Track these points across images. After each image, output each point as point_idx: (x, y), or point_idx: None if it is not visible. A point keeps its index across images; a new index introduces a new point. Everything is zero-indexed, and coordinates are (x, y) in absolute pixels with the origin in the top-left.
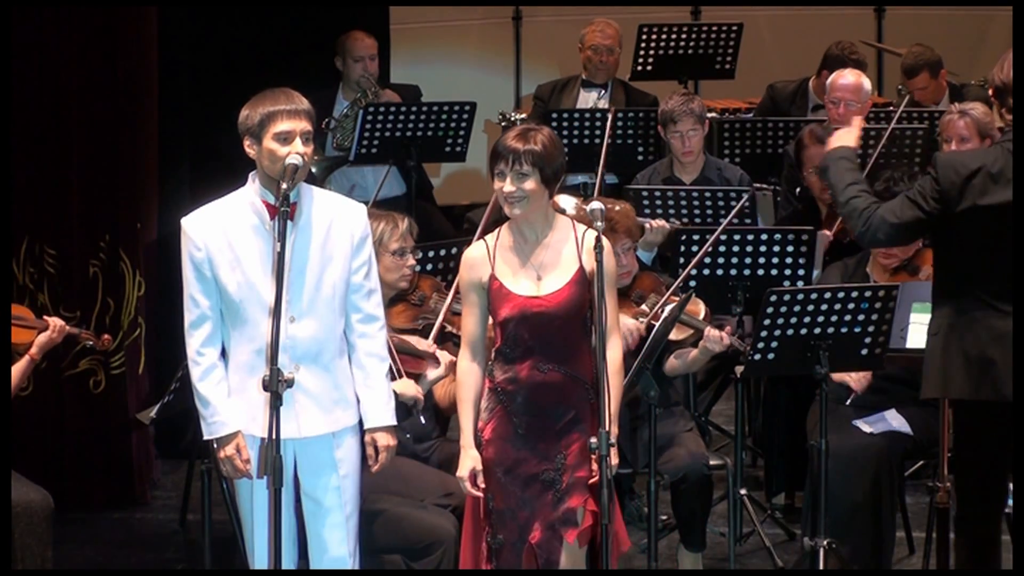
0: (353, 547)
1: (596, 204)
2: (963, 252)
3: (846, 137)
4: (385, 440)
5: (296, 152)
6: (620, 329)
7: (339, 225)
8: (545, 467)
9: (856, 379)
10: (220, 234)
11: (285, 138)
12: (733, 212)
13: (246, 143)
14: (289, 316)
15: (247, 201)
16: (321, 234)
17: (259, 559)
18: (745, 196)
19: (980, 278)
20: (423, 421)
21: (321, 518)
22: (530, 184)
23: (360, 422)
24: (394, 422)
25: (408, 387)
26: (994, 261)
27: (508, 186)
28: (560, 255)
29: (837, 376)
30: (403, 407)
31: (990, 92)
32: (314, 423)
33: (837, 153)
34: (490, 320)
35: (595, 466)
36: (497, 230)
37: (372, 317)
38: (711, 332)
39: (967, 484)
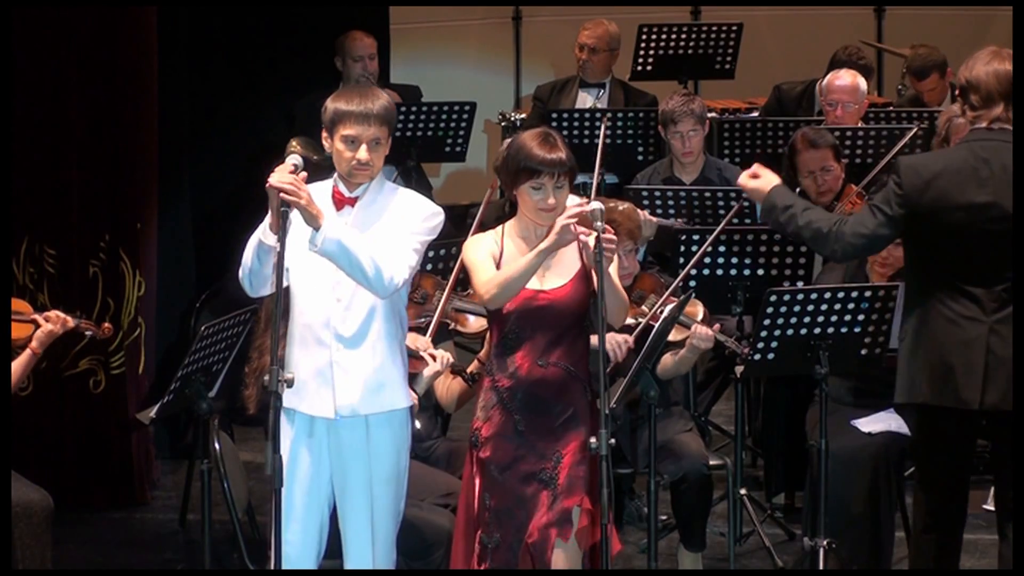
0: (382, 543)
1: (596, 204)
2: (928, 257)
3: (767, 180)
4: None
5: (358, 158)
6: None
7: (399, 213)
8: (543, 465)
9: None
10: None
11: (352, 142)
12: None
13: (323, 135)
14: (336, 297)
15: (327, 188)
16: (378, 222)
17: (285, 556)
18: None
19: (943, 284)
20: (417, 426)
21: (348, 509)
22: (564, 193)
23: (401, 413)
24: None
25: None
26: (957, 268)
27: (551, 199)
28: (565, 252)
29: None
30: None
31: (956, 92)
32: (352, 404)
33: (770, 198)
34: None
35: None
36: (501, 226)
37: (378, 267)
38: (698, 329)
39: (932, 486)
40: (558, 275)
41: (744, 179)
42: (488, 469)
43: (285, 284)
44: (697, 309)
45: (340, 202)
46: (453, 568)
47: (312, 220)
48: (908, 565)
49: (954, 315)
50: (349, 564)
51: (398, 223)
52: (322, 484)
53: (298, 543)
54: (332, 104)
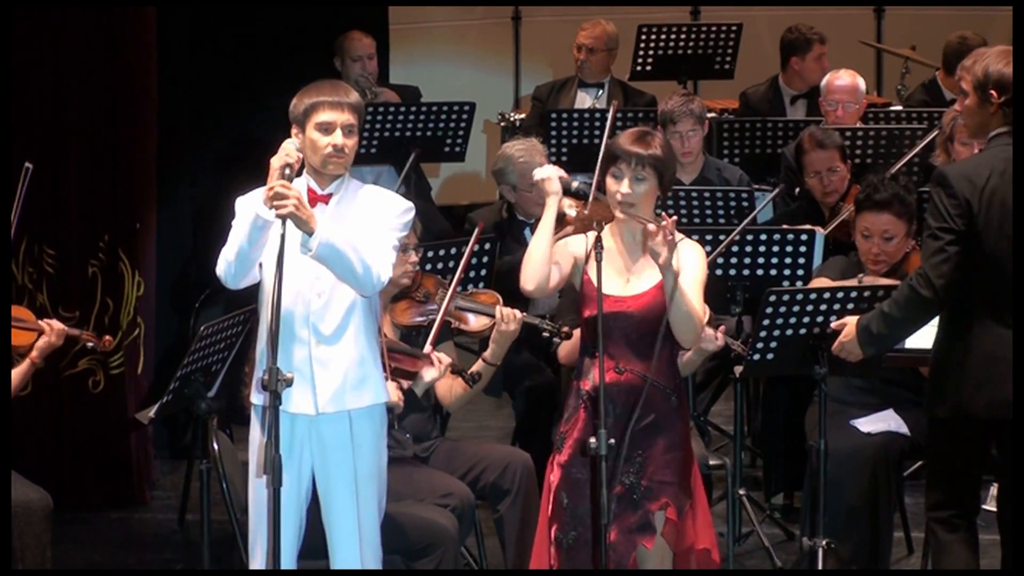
0: (368, 538)
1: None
2: (970, 267)
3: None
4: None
5: (334, 143)
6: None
7: (375, 210)
8: (625, 469)
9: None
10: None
11: (326, 128)
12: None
13: (293, 131)
14: (316, 292)
15: (300, 187)
16: (353, 219)
17: (262, 559)
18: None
19: (983, 295)
20: (406, 435)
21: (333, 505)
22: (643, 188)
23: (381, 408)
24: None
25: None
26: (996, 278)
27: (625, 187)
28: (651, 259)
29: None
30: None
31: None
32: (332, 400)
33: (860, 333)
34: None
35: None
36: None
37: (366, 263)
38: (706, 331)
39: (950, 491)
40: (642, 282)
41: (837, 347)
42: (570, 471)
43: (258, 279)
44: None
45: (314, 200)
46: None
47: (304, 225)
48: (927, 562)
49: (989, 328)
50: (337, 560)
51: (374, 220)
52: (302, 483)
53: (280, 544)
54: (302, 98)
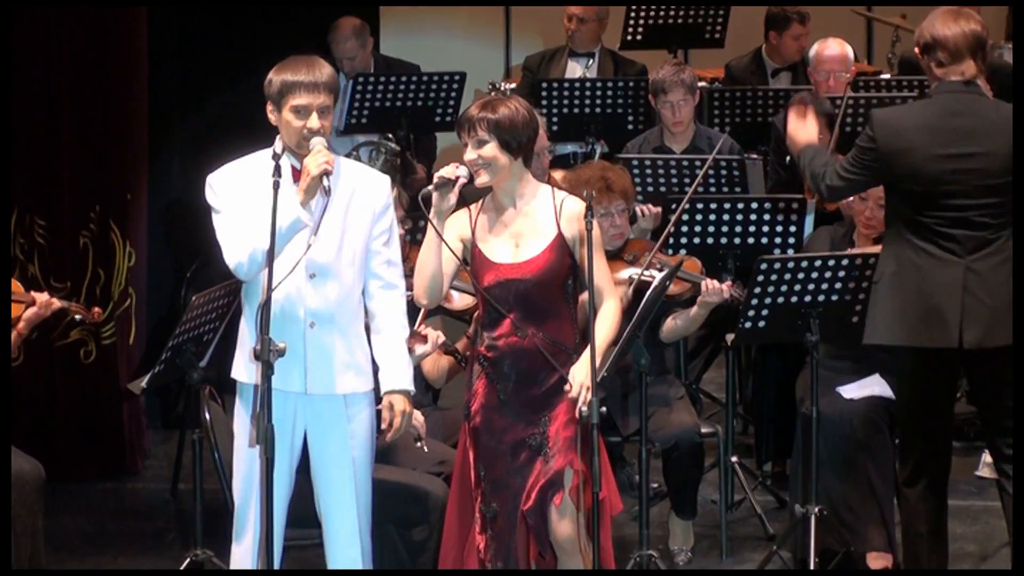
0: (364, 520)
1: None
2: (904, 204)
3: (807, 132)
4: (402, 404)
5: (310, 127)
6: (615, 290)
7: (361, 194)
8: (531, 431)
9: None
10: (245, 190)
11: (302, 111)
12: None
13: (268, 108)
14: (310, 273)
15: (273, 161)
16: (344, 201)
17: (252, 530)
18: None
19: (921, 227)
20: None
21: (329, 485)
22: (488, 151)
23: (374, 393)
24: (412, 387)
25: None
26: (935, 213)
27: (469, 153)
28: (538, 222)
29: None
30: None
31: (916, 49)
32: (322, 382)
33: (809, 150)
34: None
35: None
36: (481, 200)
37: (392, 285)
38: (710, 284)
39: (914, 432)
40: (532, 247)
41: (793, 122)
42: (480, 439)
43: None
44: (696, 264)
45: (297, 175)
46: (445, 538)
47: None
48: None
49: (930, 257)
50: (333, 527)
51: (374, 217)
52: (293, 454)
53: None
54: (278, 76)
